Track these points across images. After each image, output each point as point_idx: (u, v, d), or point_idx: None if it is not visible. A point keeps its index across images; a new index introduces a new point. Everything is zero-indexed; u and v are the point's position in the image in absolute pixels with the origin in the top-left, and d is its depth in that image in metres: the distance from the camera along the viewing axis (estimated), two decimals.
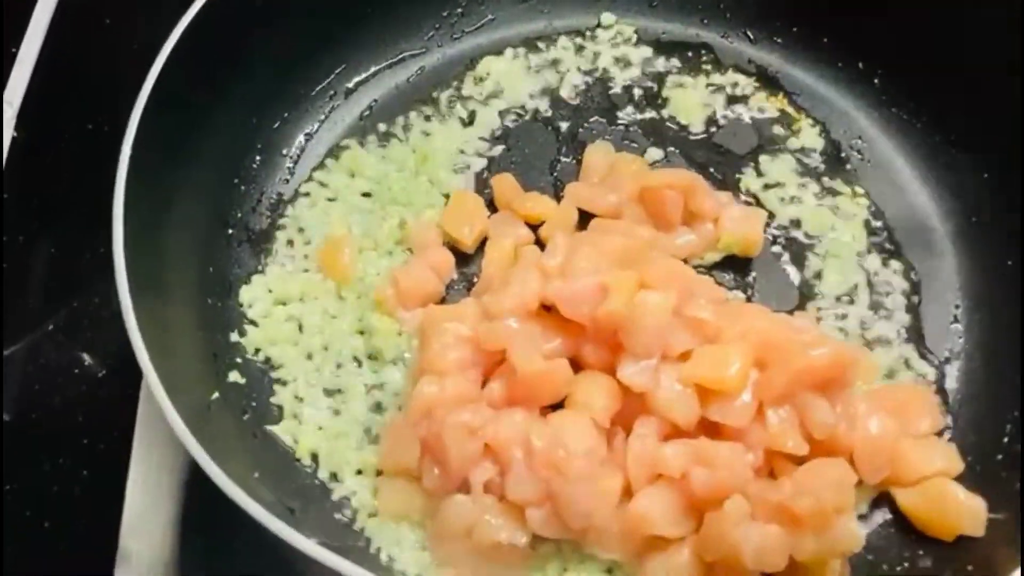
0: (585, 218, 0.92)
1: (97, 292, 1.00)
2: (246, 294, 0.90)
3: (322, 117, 1.01)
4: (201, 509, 0.88)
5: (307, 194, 0.96)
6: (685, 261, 0.90)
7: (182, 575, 0.86)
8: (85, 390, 0.97)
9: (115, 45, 1.19)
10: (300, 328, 0.89)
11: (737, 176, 0.97)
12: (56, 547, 0.88)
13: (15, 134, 1.09)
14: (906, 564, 0.77)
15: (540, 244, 0.91)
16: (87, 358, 1.00)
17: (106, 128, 1.11)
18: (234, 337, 0.87)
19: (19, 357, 0.98)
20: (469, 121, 1.01)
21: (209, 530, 0.87)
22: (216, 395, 0.82)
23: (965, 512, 0.75)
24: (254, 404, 0.85)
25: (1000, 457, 0.80)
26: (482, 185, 0.97)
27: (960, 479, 0.79)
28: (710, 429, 0.76)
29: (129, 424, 0.92)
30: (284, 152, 0.99)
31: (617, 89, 1.03)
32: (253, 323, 0.89)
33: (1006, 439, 0.81)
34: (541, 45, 1.06)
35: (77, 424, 0.95)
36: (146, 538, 0.87)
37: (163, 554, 0.87)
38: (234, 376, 0.85)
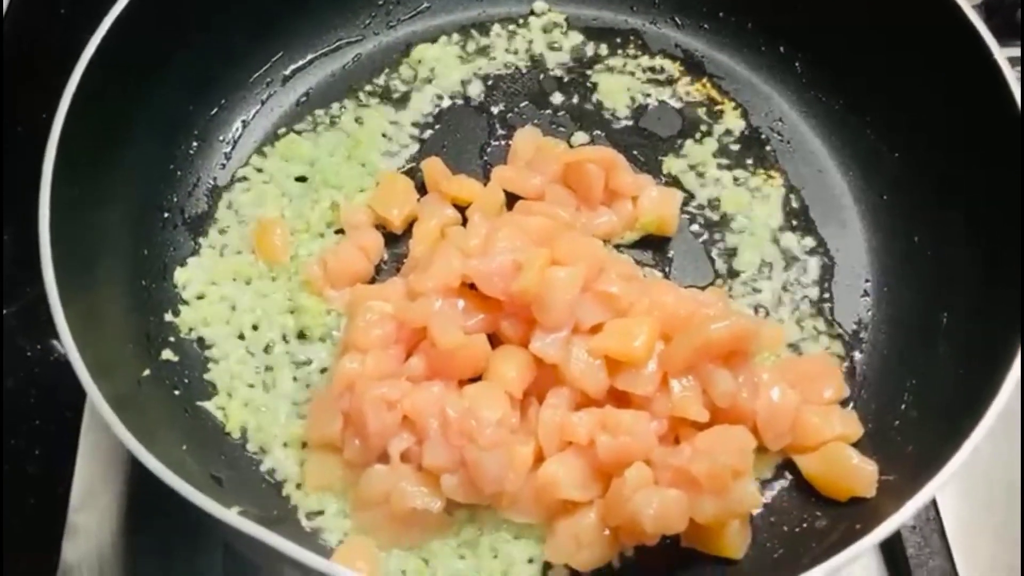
0: (513, 200, 0.95)
1: None
2: (181, 276, 0.92)
3: (259, 104, 1.03)
4: (149, 486, 0.90)
5: (243, 179, 0.99)
6: (606, 241, 0.94)
7: (130, 550, 0.90)
8: (38, 373, 1.00)
9: (70, 32, 1.21)
10: (233, 308, 0.91)
11: (660, 159, 1.00)
12: (6, 523, 0.91)
13: None
14: (804, 524, 0.80)
15: (467, 224, 0.94)
16: (41, 343, 1.03)
17: None
18: (168, 317, 0.90)
19: None
20: (402, 106, 1.04)
21: (157, 507, 0.90)
22: (147, 372, 0.85)
23: (858, 475, 0.78)
24: (186, 381, 0.88)
25: (897, 423, 0.83)
26: (414, 169, 1.00)
27: (861, 444, 0.82)
28: (620, 398, 0.80)
29: (80, 405, 0.95)
30: (221, 138, 1.01)
31: (547, 75, 1.06)
32: (187, 303, 0.91)
33: (903, 406, 0.84)
34: (475, 32, 1.09)
35: (30, 406, 0.99)
36: (94, 514, 0.90)
37: (111, 529, 0.90)
38: (167, 354, 0.88)
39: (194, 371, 0.88)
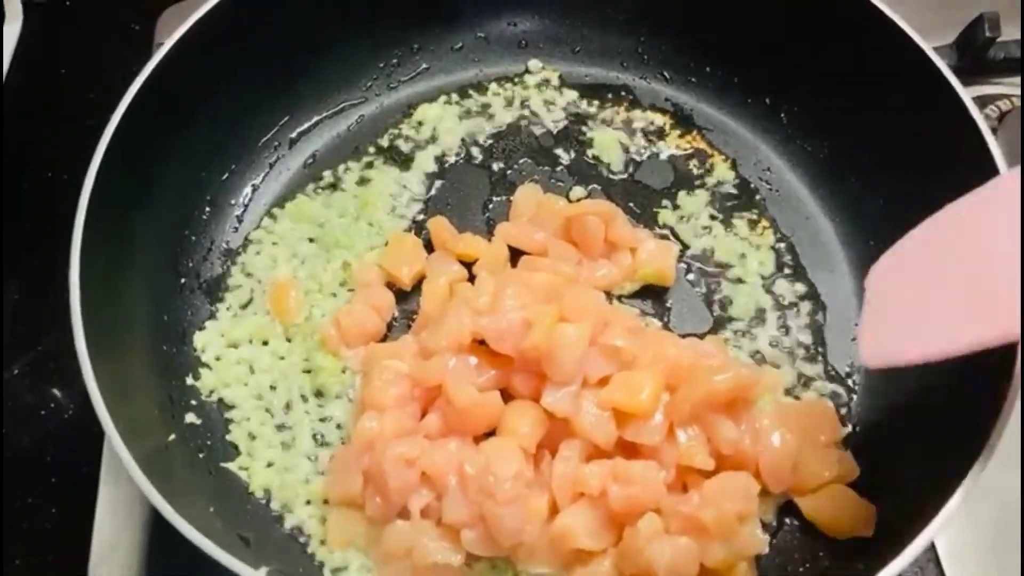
0: (517, 254, 0.99)
1: (63, 335, 1.04)
2: (200, 340, 0.95)
3: (268, 167, 1.07)
4: (167, 539, 0.92)
5: (255, 241, 1.02)
6: (608, 293, 0.98)
7: None
8: (53, 429, 1.03)
9: (73, 98, 1.25)
10: (251, 369, 0.94)
11: (655, 210, 1.04)
12: None
13: None
14: (808, 565, 0.84)
15: (474, 280, 0.97)
16: (54, 400, 1.05)
17: (65, 177, 1.17)
18: (189, 381, 0.93)
19: None
20: (406, 166, 1.07)
21: (175, 559, 0.93)
22: (173, 436, 0.87)
23: (857, 515, 0.82)
24: (209, 443, 0.91)
25: (892, 463, 0.87)
26: (420, 226, 1.04)
27: (858, 484, 0.86)
28: (628, 449, 0.83)
29: (96, 460, 0.98)
30: (232, 202, 1.04)
31: (544, 131, 1.10)
32: (207, 366, 0.94)
33: (897, 446, 0.88)
34: (473, 92, 1.13)
35: (46, 463, 1.01)
36: (115, 569, 0.92)
37: None
38: (190, 418, 0.91)
39: (216, 433, 0.91)
